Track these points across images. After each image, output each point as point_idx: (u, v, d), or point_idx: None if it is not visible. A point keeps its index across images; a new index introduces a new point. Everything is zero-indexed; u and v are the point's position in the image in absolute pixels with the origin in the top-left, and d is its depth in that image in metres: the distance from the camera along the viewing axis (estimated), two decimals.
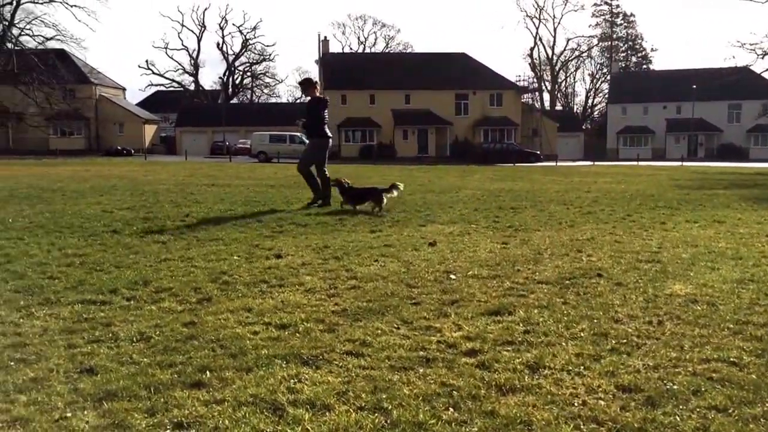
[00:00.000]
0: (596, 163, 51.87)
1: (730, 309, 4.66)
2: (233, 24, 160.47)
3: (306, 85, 11.89)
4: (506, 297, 4.98)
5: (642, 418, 2.91)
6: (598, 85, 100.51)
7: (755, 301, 4.88)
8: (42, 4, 59.38)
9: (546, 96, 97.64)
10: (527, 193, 15.17)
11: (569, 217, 10.24)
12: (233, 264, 6.15)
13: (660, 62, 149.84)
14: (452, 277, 5.66)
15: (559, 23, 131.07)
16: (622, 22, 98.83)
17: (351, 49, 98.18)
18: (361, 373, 3.41)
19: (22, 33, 56.97)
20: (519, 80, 72.52)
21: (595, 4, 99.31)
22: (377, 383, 3.27)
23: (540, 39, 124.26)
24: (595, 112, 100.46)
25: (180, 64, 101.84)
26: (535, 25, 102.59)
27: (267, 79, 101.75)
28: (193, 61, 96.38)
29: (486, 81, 66.49)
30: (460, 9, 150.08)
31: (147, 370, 3.40)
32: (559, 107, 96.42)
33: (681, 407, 3.03)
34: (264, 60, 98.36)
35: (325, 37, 72.12)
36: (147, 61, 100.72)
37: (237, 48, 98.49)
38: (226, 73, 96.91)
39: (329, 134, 11.72)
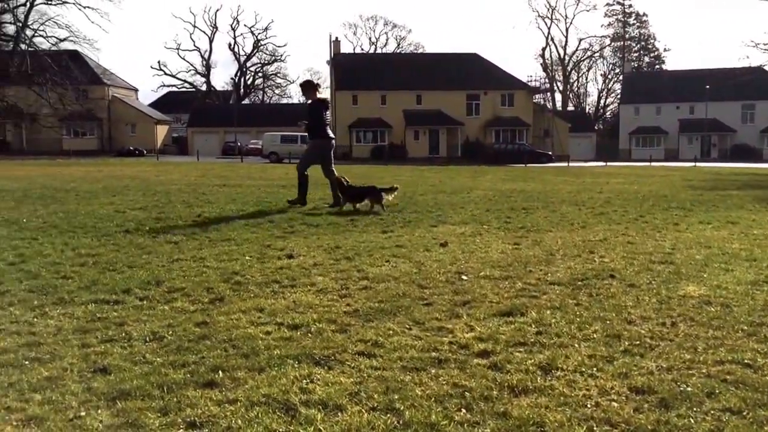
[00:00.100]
0: (608, 163, 51.67)
1: (744, 311, 4.62)
2: (245, 25, 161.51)
3: (307, 87, 11.94)
4: (518, 298, 4.97)
5: (655, 420, 2.89)
6: (610, 86, 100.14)
7: None
8: (55, 5, 59.87)
9: (558, 96, 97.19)
10: (539, 194, 15.12)
11: (581, 218, 10.21)
12: (245, 264, 6.16)
13: (673, 62, 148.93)
14: (464, 277, 5.65)
15: (571, 23, 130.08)
16: (635, 21, 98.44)
17: (362, 49, 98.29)
18: (373, 373, 3.41)
19: (36, 34, 57.45)
20: (530, 80, 72.56)
21: (608, 4, 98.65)
22: (389, 384, 3.27)
23: (552, 39, 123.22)
24: (608, 113, 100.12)
25: (192, 65, 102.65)
26: (546, 25, 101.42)
27: (278, 80, 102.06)
28: (204, 62, 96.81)
29: (497, 81, 66.32)
30: (471, 9, 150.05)
31: (160, 370, 3.42)
32: (571, 107, 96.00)
33: (695, 409, 3.01)
34: (275, 61, 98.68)
35: (337, 38, 72.19)
36: (159, 62, 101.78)
37: (248, 49, 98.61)
38: (238, 74, 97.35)
39: (331, 135, 11.73)
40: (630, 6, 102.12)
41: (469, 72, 66.19)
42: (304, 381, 3.30)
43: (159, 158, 52.69)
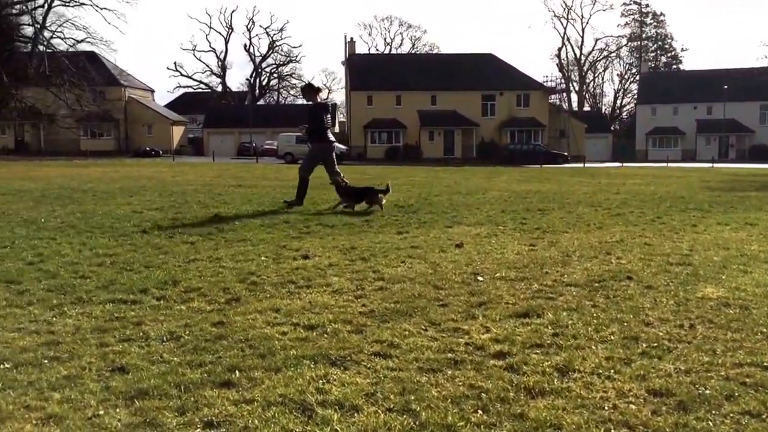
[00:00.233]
0: (625, 164, 51.38)
1: (763, 313, 4.58)
2: (260, 26, 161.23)
3: (307, 90, 11.99)
4: (534, 299, 4.95)
5: (674, 423, 2.87)
6: (626, 86, 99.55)
7: None
8: (73, 6, 60.41)
9: (574, 96, 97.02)
10: (555, 195, 15.06)
11: (598, 219, 10.15)
12: (261, 264, 6.18)
13: (690, 62, 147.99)
14: (480, 278, 5.64)
15: (587, 23, 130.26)
16: (652, 21, 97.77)
17: (377, 50, 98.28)
18: (389, 374, 3.41)
19: (54, 36, 57.89)
20: (546, 81, 72.30)
21: (624, 4, 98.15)
22: (405, 385, 3.27)
23: (568, 39, 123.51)
24: (624, 113, 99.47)
25: (208, 66, 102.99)
26: (563, 25, 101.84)
27: (293, 81, 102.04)
28: (220, 63, 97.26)
29: (513, 82, 66.12)
30: (486, 10, 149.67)
31: (177, 369, 3.44)
32: (587, 108, 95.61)
33: (714, 412, 2.99)
34: (290, 61, 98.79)
35: (351, 38, 72.57)
36: (175, 63, 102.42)
37: (264, 49, 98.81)
38: (253, 75, 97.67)
39: (332, 139, 11.74)
40: (647, 5, 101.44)
41: (485, 72, 66.06)
42: (320, 381, 3.30)
43: (175, 159, 53.01)
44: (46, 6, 57.83)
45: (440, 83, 65.06)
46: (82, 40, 58.07)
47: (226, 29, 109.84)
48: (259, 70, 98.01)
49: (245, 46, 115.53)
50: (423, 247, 7.26)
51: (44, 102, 56.56)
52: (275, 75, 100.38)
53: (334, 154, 11.76)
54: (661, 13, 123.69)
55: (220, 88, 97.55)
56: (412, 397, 3.11)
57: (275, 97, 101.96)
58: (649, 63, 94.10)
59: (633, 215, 10.65)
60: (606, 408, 3.03)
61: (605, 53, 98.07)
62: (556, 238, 8.00)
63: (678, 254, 6.88)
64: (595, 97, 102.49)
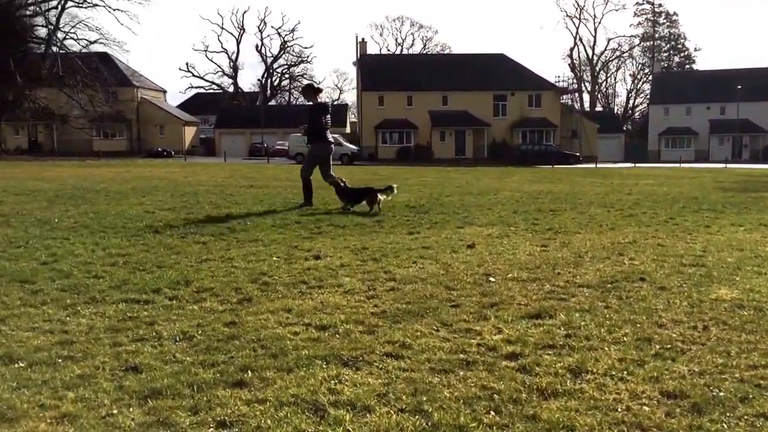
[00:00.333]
0: (637, 164, 51.12)
1: None
2: (272, 26, 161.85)
3: (307, 90, 12.13)
4: (547, 300, 4.93)
5: (688, 426, 2.86)
6: (639, 86, 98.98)
7: None
8: (86, 8, 60.70)
9: (586, 97, 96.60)
10: (567, 196, 15.01)
11: (610, 219, 10.11)
12: (273, 265, 6.20)
13: (703, 62, 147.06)
14: (491, 279, 5.62)
15: (599, 23, 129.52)
16: (665, 21, 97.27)
17: (389, 50, 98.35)
18: (401, 375, 3.41)
19: (67, 36, 58.32)
20: (558, 81, 71.76)
21: (637, 3, 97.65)
22: (417, 385, 3.26)
23: (580, 39, 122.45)
24: (636, 113, 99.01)
25: (219, 67, 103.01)
26: (575, 24, 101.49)
27: (305, 81, 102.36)
28: (232, 64, 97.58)
29: (524, 82, 65.92)
30: (498, 10, 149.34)
31: (190, 369, 3.45)
32: (599, 108, 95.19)
33: (728, 414, 2.97)
34: (302, 62, 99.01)
35: (363, 39, 72.31)
36: (187, 64, 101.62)
37: (275, 50, 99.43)
38: (265, 75, 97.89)
39: (330, 140, 11.79)
40: (660, 5, 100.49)
41: (496, 72, 65.89)
42: (333, 382, 3.31)
43: (186, 159, 53.21)
44: (59, 7, 58.33)
45: (451, 83, 64.95)
46: (95, 41, 58.56)
47: (238, 30, 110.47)
48: (271, 71, 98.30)
49: (257, 46, 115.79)
50: (434, 247, 7.25)
51: (57, 103, 56.95)
52: (287, 75, 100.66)
53: (330, 156, 11.82)
54: (674, 13, 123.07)
55: (231, 89, 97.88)
56: (425, 398, 3.11)
57: (286, 98, 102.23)
58: (662, 63, 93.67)
59: (646, 216, 10.60)
60: (619, 410, 3.02)
61: (618, 53, 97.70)
62: (569, 239, 7.97)
63: (691, 255, 6.84)
64: (607, 97, 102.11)
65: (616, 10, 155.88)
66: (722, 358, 3.67)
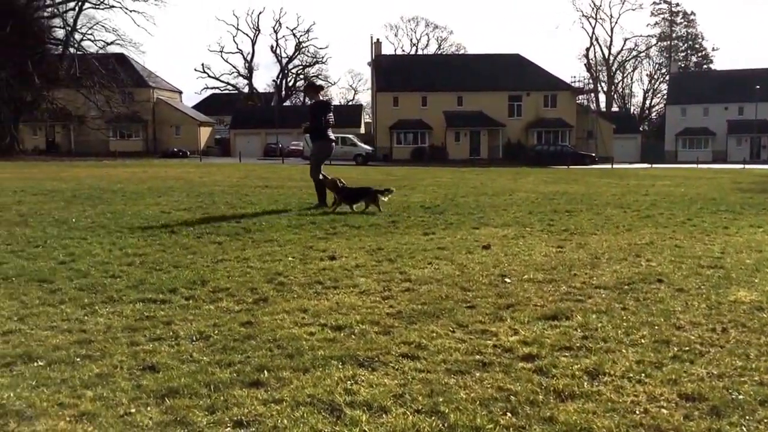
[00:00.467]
0: (654, 165, 50.77)
1: None
2: (287, 27, 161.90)
3: (309, 88, 12.25)
4: (563, 302, 4.91)
5: (707, 429, 2.83)
6: (656, 86, 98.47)
7: None
8: (103, 9, 61.28)
9: (602, 97, 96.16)
10: (582, 196, 14.93)
11: (627, 220, 10.05)
12: (288, 265, 6.21)
13: (721, 62, 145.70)
14: (507, 280, 5.60)
15: (616, 23, 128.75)
16: (682, 20, 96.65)
17: (403, 51, 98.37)
18: (417, 376, 3.41)
19: (84, 38, 58.87)
20: (574, 81, 71.57)
21: (654, 3, 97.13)
22: (433, 386, 3.26)
23: (596, 39, 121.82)
24: (653, 114, 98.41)
25: (234, 67, 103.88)
26: (591, 24, 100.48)
27: (319, 82, 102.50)
28: (247, 64, 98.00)
29: (540, 82, 65.69)
30: (513, 10, 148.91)
31: (207, 369, 3.46)
32: (615, 108, 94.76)
33: (747, 418, 2.93)
34: (317, 62, 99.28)
35: (378, 39, 72.40)
36: (203, 65, 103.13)
37: (290, 51, 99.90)
38: (280, 76, 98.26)
39: (332, 138, 11.86)
40: (677, 5, 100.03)
41: (511, 73, 65.71)
42: (349, 382, 3.31)
43: (202, 159, 53.46)
44: (77, 9, 58.85)
45: (466, 84, 64.83)
46: (111, 42, 59.06)
47: (253, 31, 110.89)
48: (286, 71, 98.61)
49: (272, 47, 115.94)
50: (450, 248, 7.24)
51: (74, 103, 57.49)
52: (301, 76, 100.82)
53: (329, 154, 11.93)
54: (692, 13, 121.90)
55: (246, 90, 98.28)
56: (441, 399, 3.10)
57: (301, 98, 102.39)
58: (679, 63, 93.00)
59: (663, 217, 10.52)
60: (637, 412, 2.99)
61: (634, 53, 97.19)
62: (585, 240, 7.93)
63: (709, 257, 6.78)
64: (623, 98, 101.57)
65: (633, 10, 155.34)
66: (741, 361, 3.63)
